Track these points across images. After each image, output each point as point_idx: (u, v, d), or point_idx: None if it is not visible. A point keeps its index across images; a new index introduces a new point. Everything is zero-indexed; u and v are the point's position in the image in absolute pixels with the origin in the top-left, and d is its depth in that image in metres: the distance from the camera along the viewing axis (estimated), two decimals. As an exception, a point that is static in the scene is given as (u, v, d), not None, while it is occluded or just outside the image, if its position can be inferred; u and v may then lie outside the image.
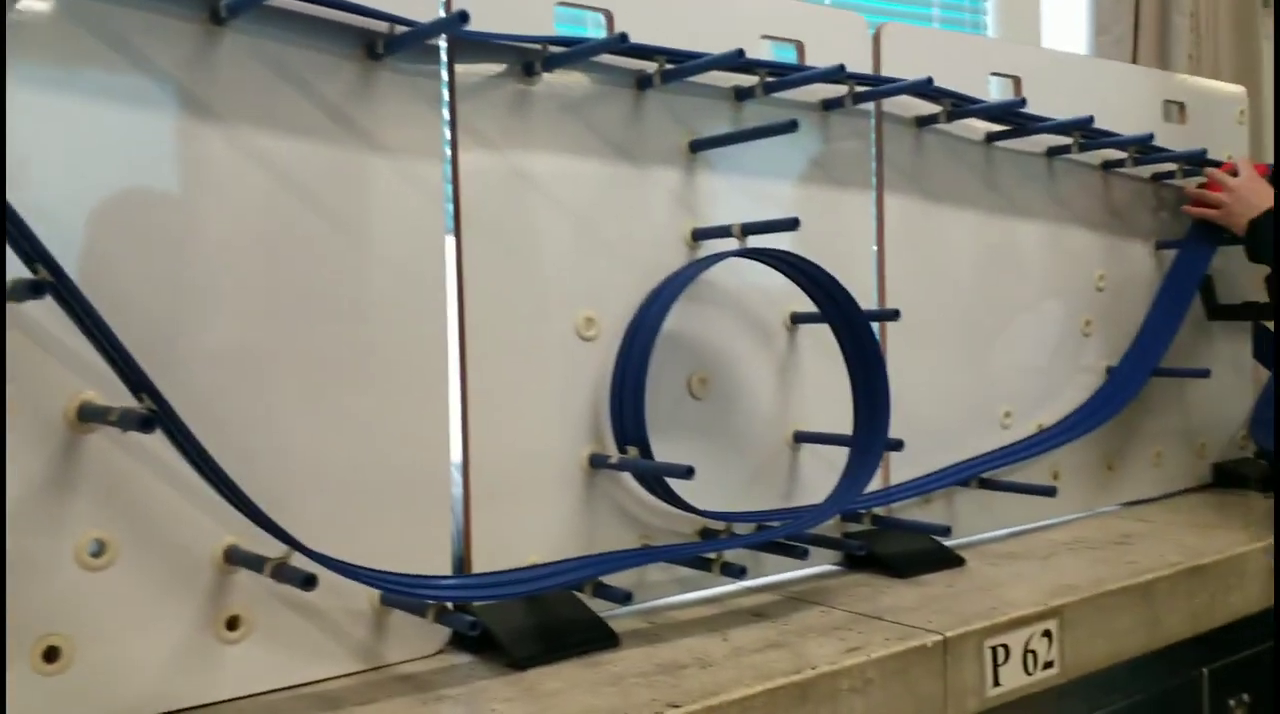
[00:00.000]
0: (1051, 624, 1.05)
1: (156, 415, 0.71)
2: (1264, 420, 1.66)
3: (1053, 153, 1.43)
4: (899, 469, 1.28)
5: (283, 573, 0.79)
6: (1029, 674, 1.03)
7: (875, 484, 1.25)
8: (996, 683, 1.00)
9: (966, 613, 1.03)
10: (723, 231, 1.09)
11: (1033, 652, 1.03)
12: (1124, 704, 1.17)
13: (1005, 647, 1.01)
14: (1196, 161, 1.55)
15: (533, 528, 1.00)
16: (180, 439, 0.74)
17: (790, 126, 1.03)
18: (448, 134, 0.96)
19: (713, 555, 1.03)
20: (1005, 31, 1.84)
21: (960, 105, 1.27)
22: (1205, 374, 1.53)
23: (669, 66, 1.04)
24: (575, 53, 0.96)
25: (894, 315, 1.16)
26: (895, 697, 0.93)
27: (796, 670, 0.88)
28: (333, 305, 0.89)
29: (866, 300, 1.26)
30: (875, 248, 1.28)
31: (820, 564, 1.21)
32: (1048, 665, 1.04)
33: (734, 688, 0.84)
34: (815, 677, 0.88)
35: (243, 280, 0.85)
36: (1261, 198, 1.48)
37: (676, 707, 0.81)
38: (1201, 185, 1.57)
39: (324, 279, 0.89)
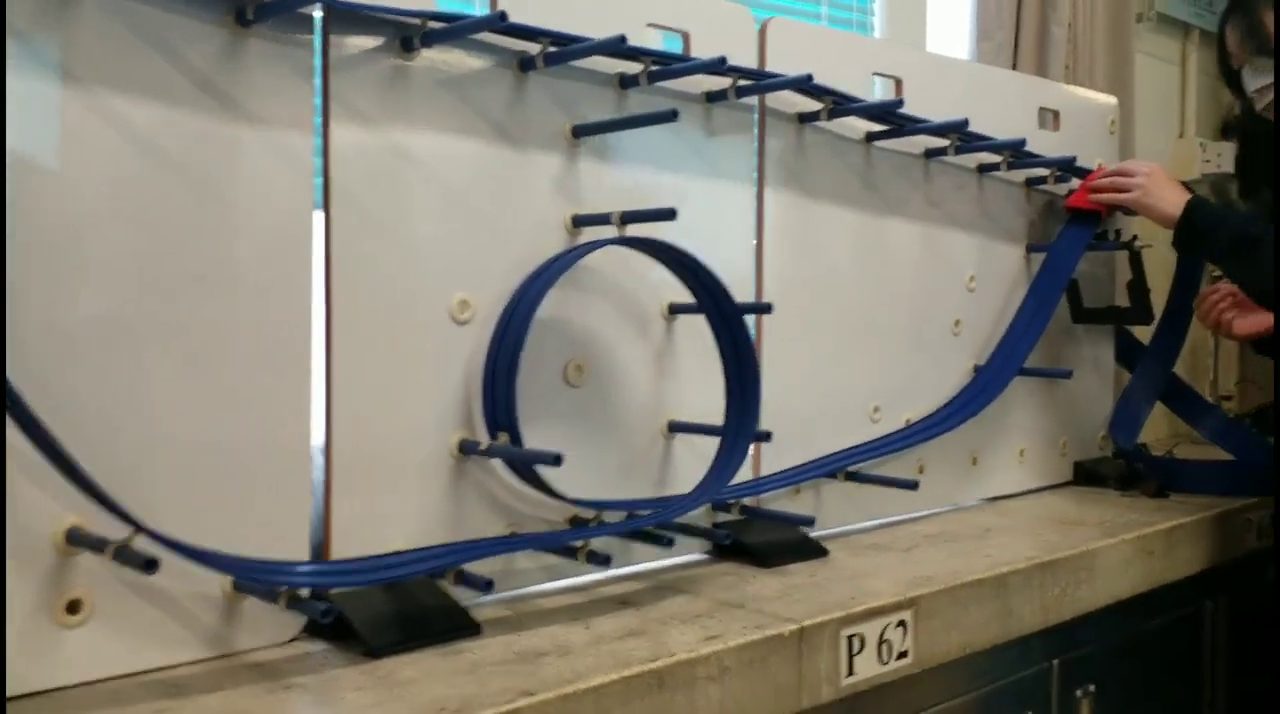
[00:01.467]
0: (907, 615, 1.08)
1: (-11, 389, 0.68)
2: (1124, 421, 1.73)
3: (930, 154, 1.46)
4: (770, 460, 1.29)
5: (124, 555, 0.76)
6: (884, 664, 1.05)
7: (746, 475, 1.27)
8: (851, 672, 1.02)
9: (825, 602, 1.04)
10: (603, 219, 1.08)
11: (887, 641, 1.05)
12: (975, 694, 1.20)
13: (861, 636, 1.03)
14: (1066, 167, 1.60)
15: (398, 514, 0.99)
16: (16, 412, 0.71)
17: (670, 115, 1.03)
18: (320, 107, 0.93)
19: (579, 544, 1.02)
20: (891, 34, 1.87)
21: (841, 103, 1.29)
22: (1067, 375, 1.59)
23: (552, 49, 1.03)
24: (454, 29, 0.95)
25: (766, 308, 1.17)
26: (752, 685, 0.94)
27: (654, 658, 0.88)
28: (191, 278, 0.86)
29: (745, 293, 1.27)
30: (755, 242, 1.29)
31: (691, 553, 1.22)
32: (902, 655, 1.07)
33: (591, 676, 0.84)
34: (672, 664, 0.89)
35: (97, 249, 0.81)
36: (1178, 188, 1.52)
37: (531, 694, 0.80)
38: (1105, 177, 1.60)
39: (183, 250, 0.86)
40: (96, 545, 0.77)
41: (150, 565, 0.74)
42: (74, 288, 0.80)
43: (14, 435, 0.74)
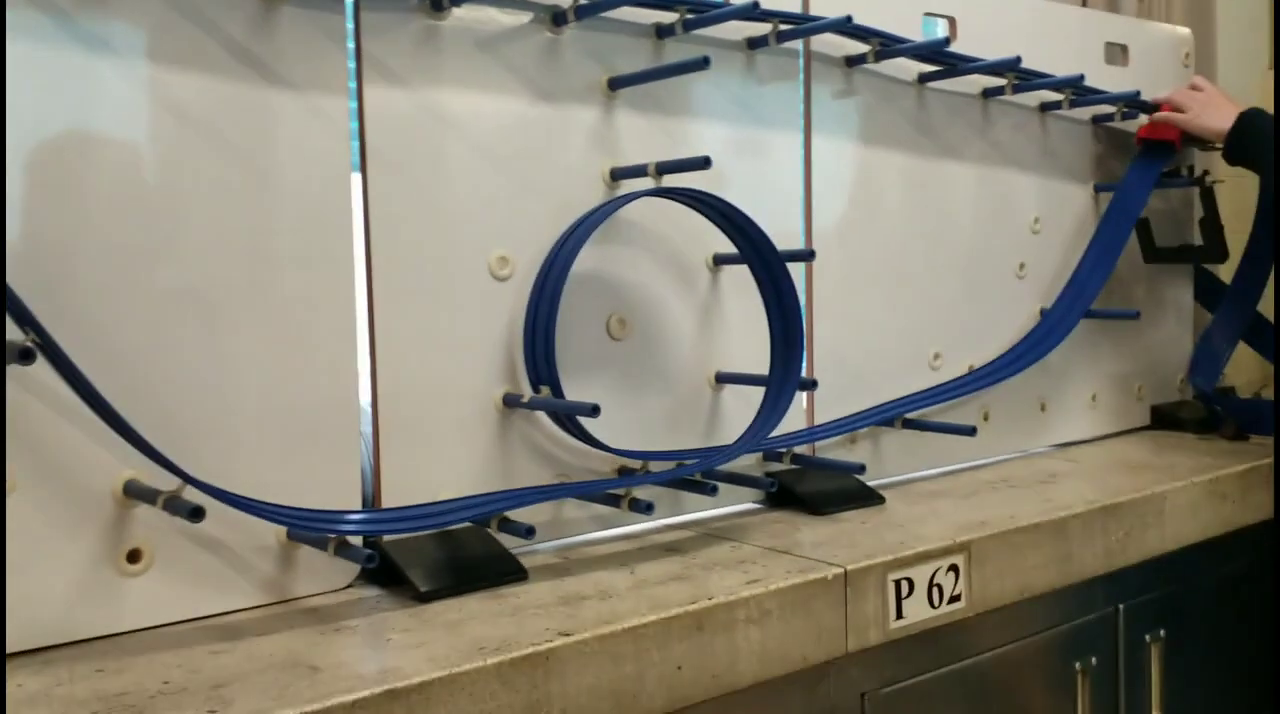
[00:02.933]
0: (958, 559, 1.07)
1: (36, 348, 0.71)
2: (1203, 363, 1.68)
3: (987, 94, 1.43)
4: (826, 409, 1.29)
5: (173, 505, 0.80)
6: (934, 607, 1.05)
7: (800, 424, 1.27)
8: (900, 615, 1.02)
9: (872, 547, 1.04)
10: (640, 171, 1.09)
11: (938, 585, 1.05)
12: (1038, 638, 1.19)
13: (909, 580, 1.03)
14: (1132, 102, 1.55)
15: (445, 466, 1.01)
16: (66, 372, 0.74)
17: (702, 63, 1.03)
18: (354, 70, 0.95)
19: (622, 492, 1.04)
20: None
21: (888, 45, 1.27)
22: (1135, 316, 1.54)
23: (583, 2, 1.03)
24: (479, -13, 0.96)
25: (809, 255, 1.16)
26: (794, 627, 0.95)
27: (693, 601, 0.90)
28: (235, 241, 0.89)
29: (794, 242, 1.26)
30: (804, 189, 1.28)
31: (743, 502, 1.23)
32: (954, 599, 1.07)
33: (629, 617, 0.86)
34: (712, 606, 0.90)
35: (142, 216, 0.85)
36: (1233, 105, 1.52)
37: (568, 635, 0.82)
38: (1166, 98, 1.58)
39: (226, 215, 0.89)
40: (149, 496, 0.81)
41: (196, 513, 0.77)
42: (120, 254, 0.84)
43: (69, 393, 0.78)
